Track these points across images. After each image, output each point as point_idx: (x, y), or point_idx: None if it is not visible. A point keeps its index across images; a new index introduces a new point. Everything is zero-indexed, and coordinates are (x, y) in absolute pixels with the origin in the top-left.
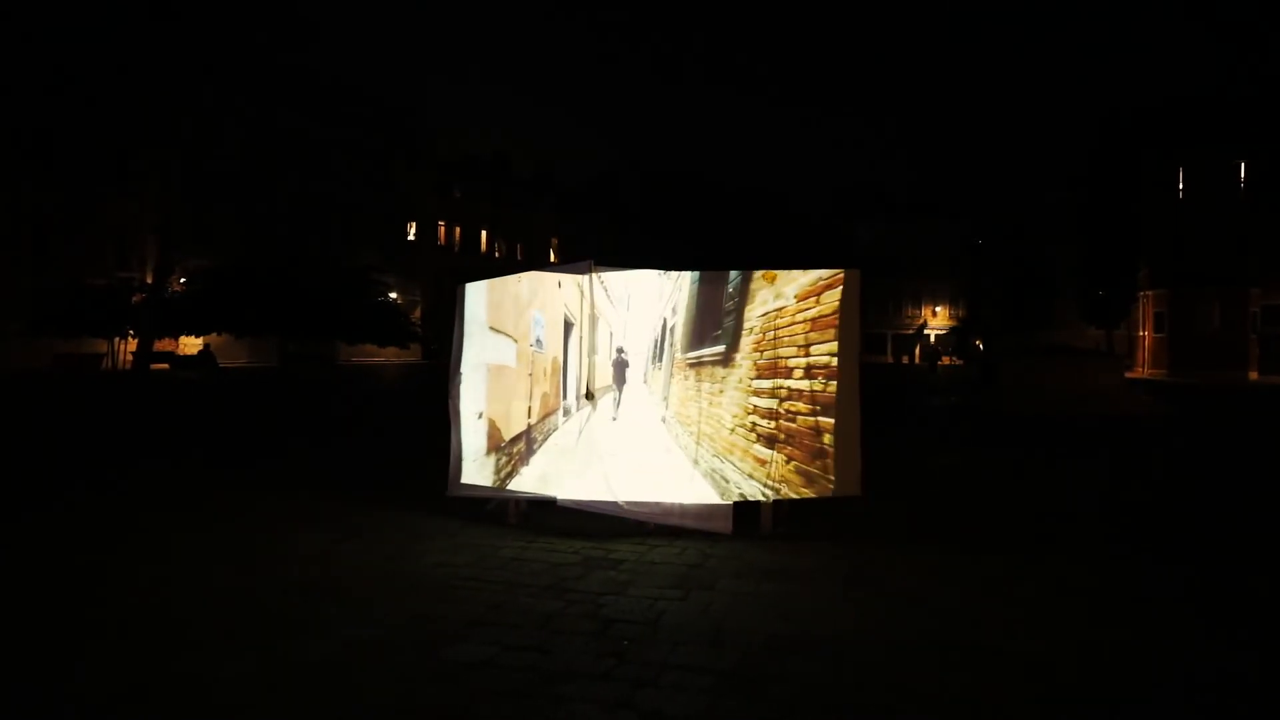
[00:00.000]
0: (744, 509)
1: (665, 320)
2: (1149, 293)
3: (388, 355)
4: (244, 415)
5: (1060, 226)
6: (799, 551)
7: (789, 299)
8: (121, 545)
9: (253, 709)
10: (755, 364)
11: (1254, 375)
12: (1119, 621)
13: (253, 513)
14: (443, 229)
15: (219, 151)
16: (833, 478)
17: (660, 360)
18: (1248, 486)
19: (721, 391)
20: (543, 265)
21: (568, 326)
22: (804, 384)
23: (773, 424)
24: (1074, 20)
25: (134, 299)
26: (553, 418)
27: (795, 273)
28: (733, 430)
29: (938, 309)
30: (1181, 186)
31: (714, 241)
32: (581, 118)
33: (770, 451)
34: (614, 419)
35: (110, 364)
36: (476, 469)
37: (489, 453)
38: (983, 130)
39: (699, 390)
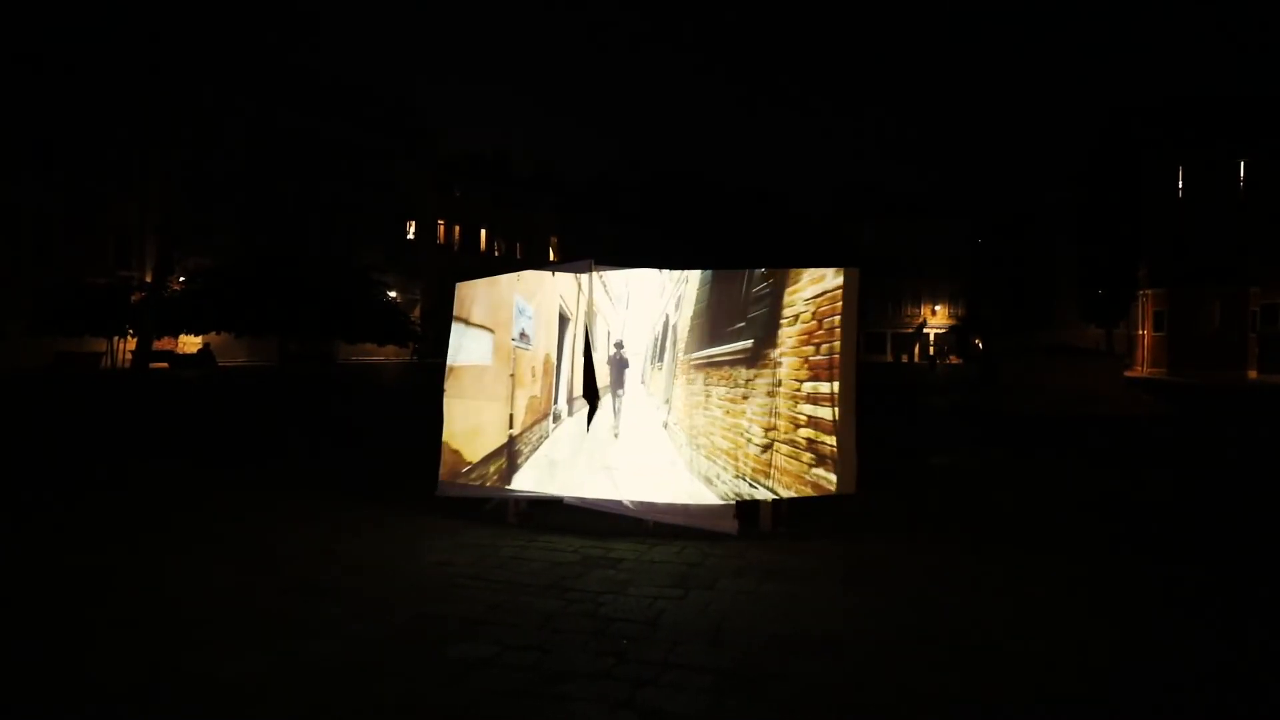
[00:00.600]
0: (743, 508)
1: (667, 317)
2: (1148, 292)
3: (386, 354)
4: (243, 415)
5: (1060, 225)
6: (799, 550)
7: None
8: (125, 545)
9: (256, 707)
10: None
11: (1253, 374)
12: (1120, 620)
13: (253, 512)
14: (443, 228)
15: (219, 151)
16: (834, 477)
17: (660, 360)
18: (1248, 486)
19: (745, 397)
20: (542, 264)
21: (563, 321)
22: (805, 382)
23: (777, 422)
24: (1075, 19)
25: (134, 298)
26: (542, 424)
27: (794, 271)
28: (768, 443)
29: (937, 308)
30: (1181, 185)
31: (714, 241)
32: (582, 117)
33: (770, 451)
34: (615, 434)
35: (110, 363)
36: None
37: (459, 475)
38: (983, 129)
39: (708, 396)
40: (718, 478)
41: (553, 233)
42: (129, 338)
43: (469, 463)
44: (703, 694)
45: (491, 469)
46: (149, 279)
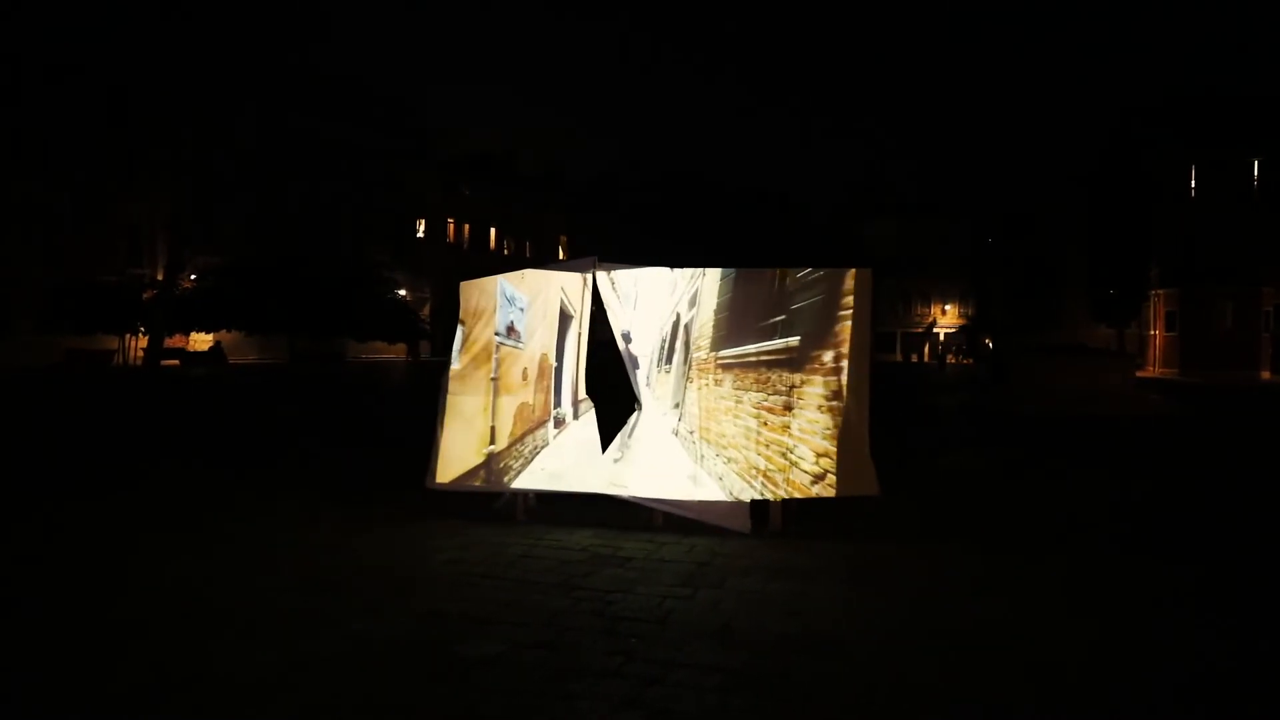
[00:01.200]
0: (753, 506)
1: (678, 316)
2: (1160, 292)
3: (396, 352)
4: (254, 413)
5: (1071, 224)
6: (807, 550)
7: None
8: (134, 546)
9: (267, 704)
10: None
11: (1266, 375)
12: (1128, 622)
13: (263, 511)
14: (451, 226)
15: (229, 150)
16: (842, 476)
17: (669, 363)
18: (1259, 488)
19: (789, 407)
20: (551, 263)
21: (565, 318)
22: (817, 382)
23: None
24: (1085, 18)
25: (145, 296)
26: (539, 433)
27: (806, 271)
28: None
29: (947, 307)
30: (1193, 185)
31: (722, 241)
32: (590, 117)
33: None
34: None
35: (121, 360)
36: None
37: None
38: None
39: (739, 402)
40: (730, 477)
41: (562, 231)
42: (140, 335)
43: (453, 475)
44: (711, 693)
45: (477, 482)
46: (160, 277)
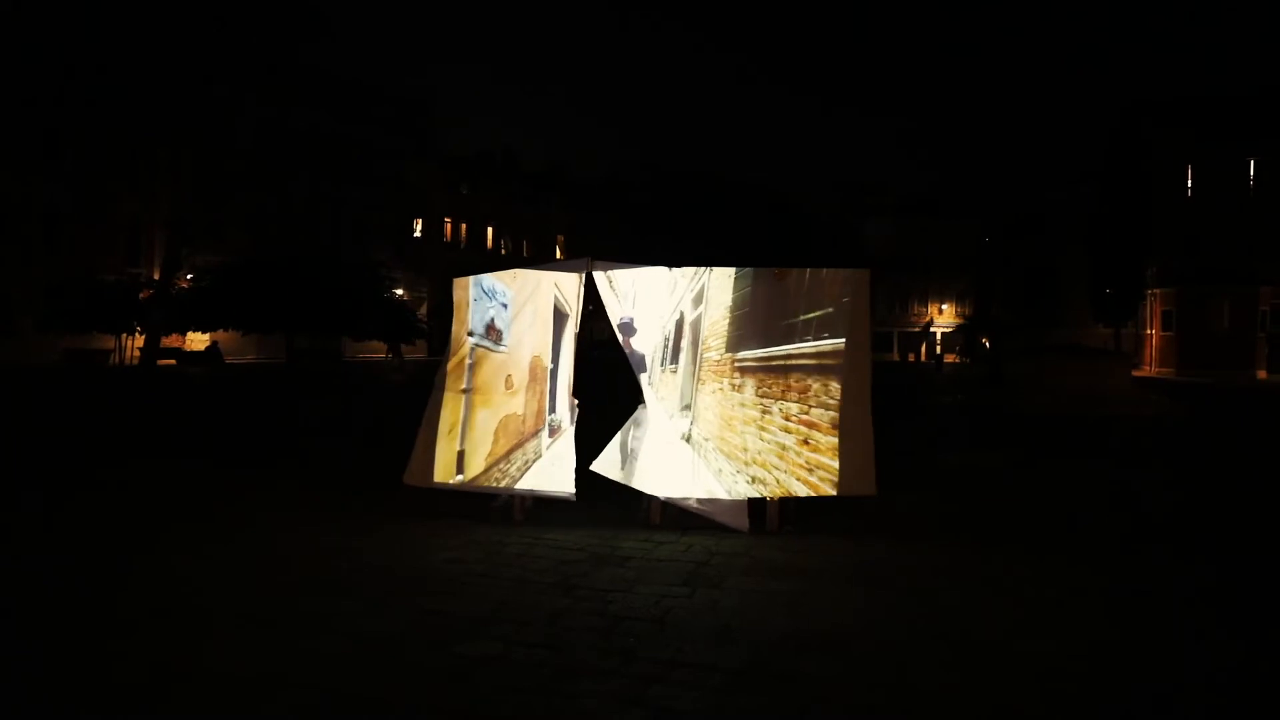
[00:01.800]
0: (751, 505)
1: (683, 314)
2: (1157, 291)
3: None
4: (250, 412)
5: (1069, 224)
6: (806, 549)
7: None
8: (134, 545)
9: (266, 703)
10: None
11: (1263, 374)
12: (1130, 621)
13: (262, 510)
14: (449, 225)
15: (228, 148)
16: (842, 476)
17: (674, 362)
18: (1257, 485)
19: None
20: (548, 262)
21: (560, 317)
22: (816, 382)
23: (778, 378)
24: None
25: (142, 295)
26: (530, 445)
27: (805, 271)
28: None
29: (945, 307)
30: (1191, 184)
31: (722, 240)
32: (590, 115)
33: (773, 405)
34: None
35: (118, 359)
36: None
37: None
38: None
39: (765, 413)
40: (729, 475)
41: (560, 230)
42: (137, 334)
43: (425, 483)
44: (712, 692)
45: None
46: (157, 276)
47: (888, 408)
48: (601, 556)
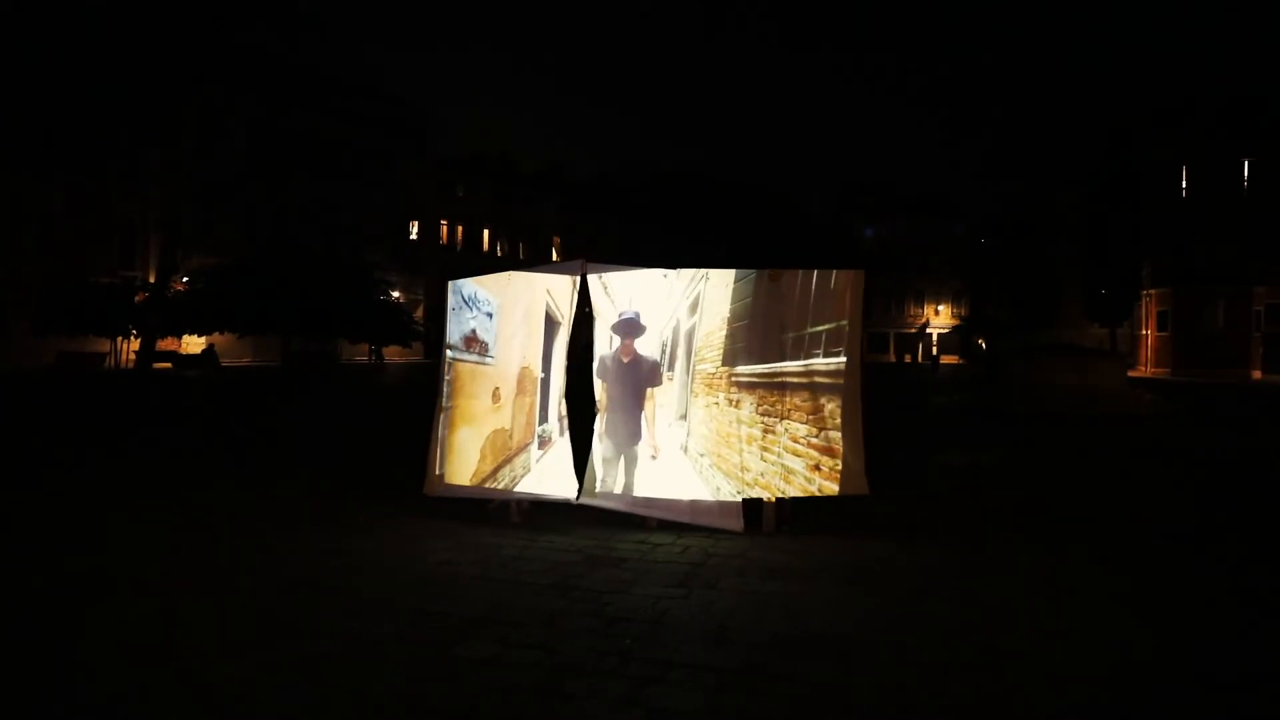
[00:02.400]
0: (746, 506)
1: (678, 322)
2: (1152, 291)
3: (389, 354)
4: (246, 415)
5: (1064, 225)
6: (802, 550)
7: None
8: (125, 546)
9: (259, 707)
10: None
11: (1257, 374)
12: (1126, 621)
13: (256, 512)
14: (445, 227)
15: (222, 150)
16: (838, 476)
17: (670, 370)
18: (1253, 484)
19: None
20: (537, 265)
21: (551, 324)
22: (817, 355)
23: (780, 397)
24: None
25: (137, 298)
26: (520, 460)
27: (800, 273)
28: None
29: (941, 308)
30: (1185, 185)
31: (719, 241)
32: (588, 117)
33: (777, 424)
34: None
35: (113, 363)
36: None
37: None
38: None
39: (767, 432)
40: (728, 493)
41: (556, 232)
42: (132, 338)
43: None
44: (709, 693)
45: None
46: (152, 279)
47: (884, 408)
48: (598, 558)
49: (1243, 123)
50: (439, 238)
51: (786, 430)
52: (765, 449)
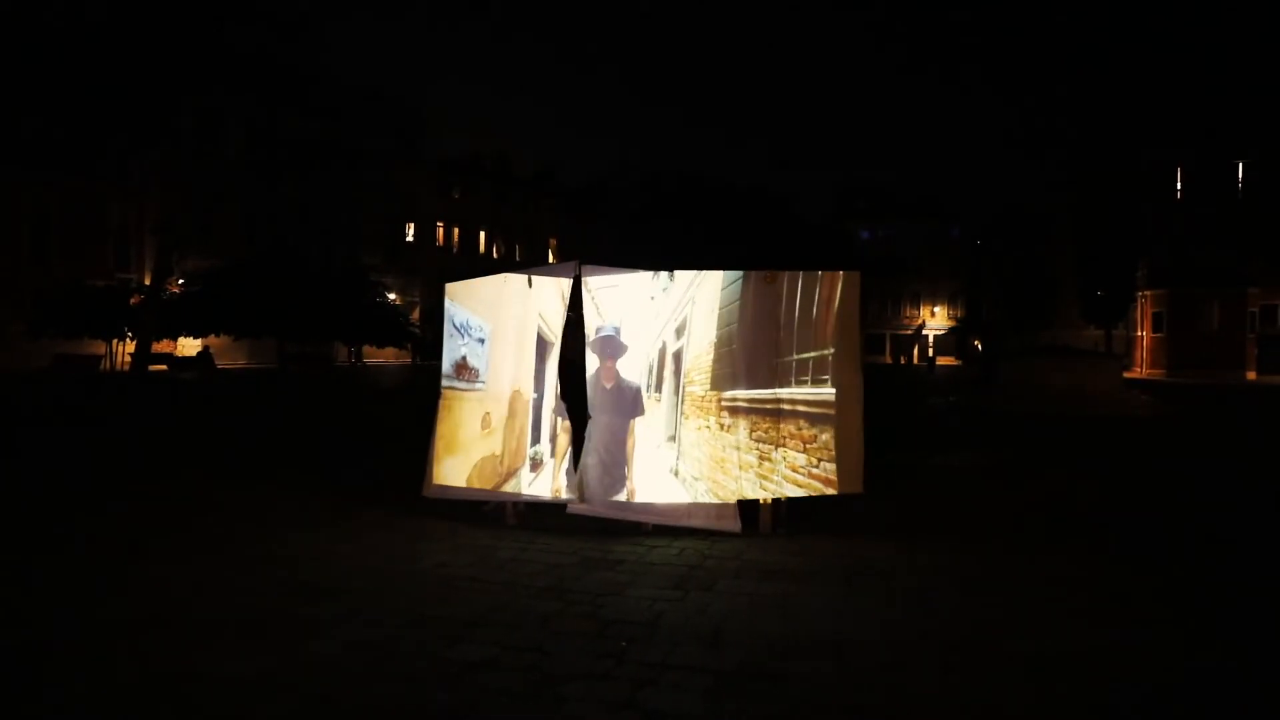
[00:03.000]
0: (742, 508)
1: (665, 344)
2: (1147, 292)
3: (385, 356)
4: (241, 417)
5: (1059, 226)
6: (798, 551)
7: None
8: (126, 550)
9: (256, 709)
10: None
11: (1252, 375)
12: (1122, 623)
13: (252, 515)
14: (442, 229)
15: (219, 152)
16: (835, 477)
17: (659, 390)
18: (1247, 486)
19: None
20: (533, 268)
21: (543, 346)
22: (806, 384)
23: (775, 423)
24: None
25: (133, 300)
26: (510, 485)
27: (795, 274)
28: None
29: (937, 309)
30: (1180, 186)
31: (717, 241)
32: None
33: (774, 452)
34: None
35: (109, 365)
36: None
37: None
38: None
39: (762, 461)
40: (718, 480)
41: (553, 234)
42: (128, 340)
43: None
44: (704, 695)
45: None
46: (148, 281)
47: (880, 409)
48: (594, 560)
49: (1238, 123)
50: (435, 239)
51: (785, 459)
52: (764, 477)
